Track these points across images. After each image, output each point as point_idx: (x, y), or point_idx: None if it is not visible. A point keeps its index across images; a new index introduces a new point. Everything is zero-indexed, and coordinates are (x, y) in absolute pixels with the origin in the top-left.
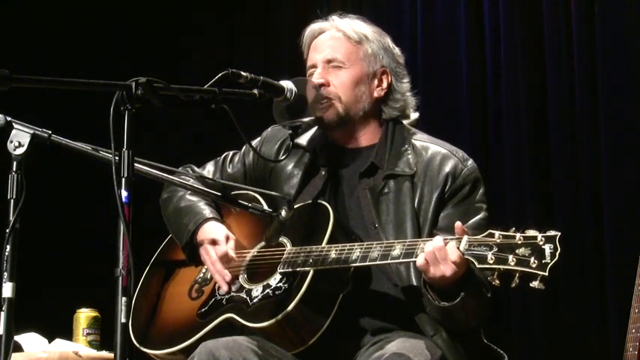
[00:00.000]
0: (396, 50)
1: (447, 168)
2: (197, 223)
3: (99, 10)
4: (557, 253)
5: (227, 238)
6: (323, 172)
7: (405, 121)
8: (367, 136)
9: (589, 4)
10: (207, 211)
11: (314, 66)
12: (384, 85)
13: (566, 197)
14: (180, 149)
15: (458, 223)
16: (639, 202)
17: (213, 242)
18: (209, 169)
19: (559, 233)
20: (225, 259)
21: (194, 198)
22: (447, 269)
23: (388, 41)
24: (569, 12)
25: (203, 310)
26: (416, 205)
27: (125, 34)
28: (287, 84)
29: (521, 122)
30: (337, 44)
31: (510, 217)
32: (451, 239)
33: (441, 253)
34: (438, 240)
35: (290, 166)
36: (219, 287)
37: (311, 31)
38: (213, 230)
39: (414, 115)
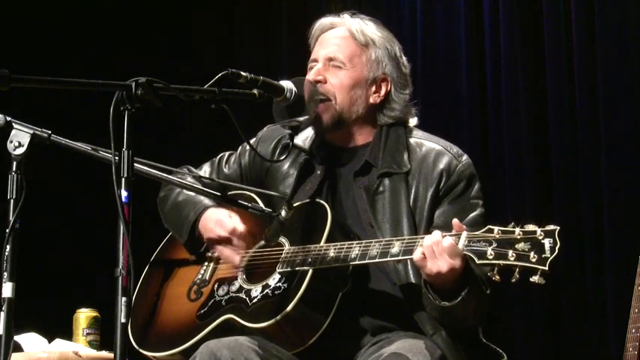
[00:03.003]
0: (403, 60)
1: (442, 164)
2: (197, 212)
3: (99, 9)
4: (556, 248)
5: (230, 216)
6: (318, 172)
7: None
8: (362, 136)
9: (589, 2)
10: (206, 200)
11: (315, 60)
12: (382, 92)
13: (566, 197)
14: (178, 150)
15: (455, 221)
16: (639, 201)
17: (218, 223)
18: (205, 170)
19: (558, 227)
20: (235, 233)
21: (191, 193)
22: (443, 264)
23: (396, 49)
24: (569, 11)
25: (202, 311)
26: (411, 202)
27: (125, 33)
28: (287, 84)
29: (521, 120)
30: (343, 44)
31: (510, 214)
32: (450, 235)
33: (438, 248)
34: (436, 234)
35: (286, 166)
36: (218, 288)
37: (321, 25)
38: (215, 213)
39: (412, 121)
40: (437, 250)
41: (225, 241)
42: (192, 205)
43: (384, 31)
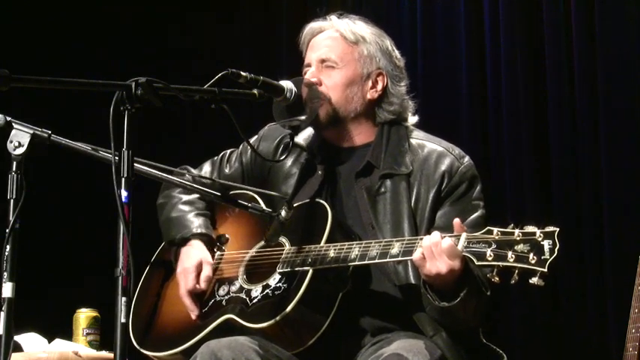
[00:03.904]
0: (396, 53)
1: (444, 166)
2: (183, 236)
3: (99, 9)
4: (556, 249)
5: (198, 268)
6: (320, 172)
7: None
8: (362, 136)
9: (589, 2)
10: (194, 224)
11: (309, 65)
12: (379, 87)
13: (566, 197)
14: (178, 150)
15: (456, 220)
16: (639, 201)
17: (185, 272)
18: (206, 170)
19: (557, 229)
20: (192, 292)
21: (185, 207)
22: (442, 265)
23: (387, 43)
24: (569, 11)
25: (203, 311)
26: (413, 204)
27: (125, 34)
28: (287, 84)
29: (521, 120)
30: (333, 44)
31: (510, 215)
32: (450, 236)
33: (437, 248)
34: (435, 235)
35: (287, 166)
36: (218, 288)
37: (310, 30)
38: (187, 257)
39: (412, 119)
40: (436, 251)
41: (183, 297)
42: (181, 228)
43: (374, 27)
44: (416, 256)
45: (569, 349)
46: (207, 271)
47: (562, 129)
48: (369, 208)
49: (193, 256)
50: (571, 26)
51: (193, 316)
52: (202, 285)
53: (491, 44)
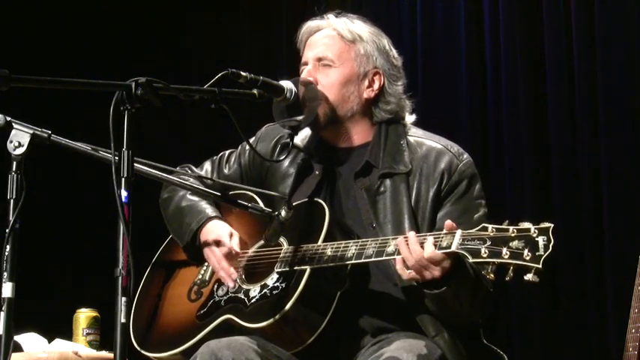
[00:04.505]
0: (393, 52)
1: (443, 164)
2: (200, 222)
3: (99, 9)
4: (550, 245)
5: (230, 235)
6: (317, 172)
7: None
8: (359, 135)
9: (589, 2)
10: (209, 210)
11: (306, 63)
12: (376, 86)
13: (566, 197)
14: (179, 149)
15: (448, 222)
16: (639, 201)
17: (217, 241)
18: (207, 169)
19: (552, 225)
20: (229, 256)
21: (195, 197)
22: (435, 271)
23: (385, 43)
24: (569, 11)
25: (202, 311)
26: (413, 203)
27: (125, 34)
28: (287, 84)
29: (521, 120)
30: (330, 43)
31: (510, 214)
32: (444, 233)
33: (422, 262)
34: (416, 252)
35: (284, 166)
36: (217, 288)
37: (307, 28)
38: (216, 228)
39: (410, 118)
40: (423, 264)
41: (221, 261)
42: (196, 214)
43: (372, 26)
44: (410, 262)
45: (569, 349)
46: (237, 238)
47: (562, 129)
48: (370, 208)
49: (222, 227)
50: (571, 26)
51: (231, 284)
52: (237, 248)
53: (491, 44)
